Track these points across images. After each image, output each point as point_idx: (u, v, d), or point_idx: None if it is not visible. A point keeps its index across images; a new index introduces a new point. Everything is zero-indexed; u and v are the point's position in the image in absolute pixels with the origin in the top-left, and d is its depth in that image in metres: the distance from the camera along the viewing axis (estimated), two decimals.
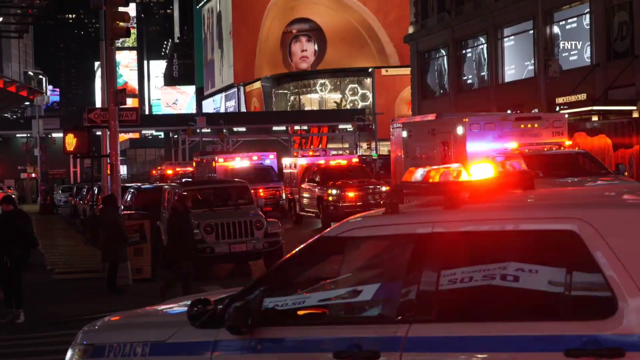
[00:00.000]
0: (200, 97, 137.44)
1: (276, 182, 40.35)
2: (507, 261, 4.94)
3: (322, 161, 38.56)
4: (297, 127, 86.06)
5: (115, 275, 19.41)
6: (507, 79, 50.03)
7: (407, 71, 71.05)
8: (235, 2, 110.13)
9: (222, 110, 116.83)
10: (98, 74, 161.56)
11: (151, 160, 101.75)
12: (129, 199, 28.51)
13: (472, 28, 52.69)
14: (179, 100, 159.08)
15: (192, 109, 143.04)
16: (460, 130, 24.26)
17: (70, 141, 22.41)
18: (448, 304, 5.02)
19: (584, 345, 4.52)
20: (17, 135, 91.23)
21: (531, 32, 46.59)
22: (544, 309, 4.78)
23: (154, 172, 61.96)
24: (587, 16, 42.29)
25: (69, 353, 6.43)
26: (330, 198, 32.93)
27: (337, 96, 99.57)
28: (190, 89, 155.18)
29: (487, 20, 50.41)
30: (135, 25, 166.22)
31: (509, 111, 37.04)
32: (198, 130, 74.86)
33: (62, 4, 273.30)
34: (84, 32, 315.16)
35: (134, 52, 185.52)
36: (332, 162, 38.46)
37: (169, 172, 54.75)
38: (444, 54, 57.16)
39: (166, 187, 25.11)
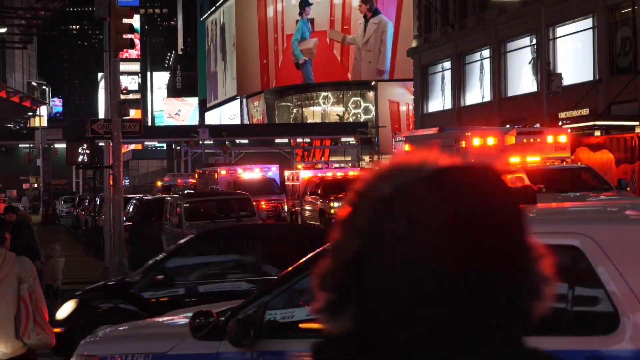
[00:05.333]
0: (203, 108, 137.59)
1: (278, 194, 40.32)
2: None
3: (324, 174, 38.58)
4: (299, 140, 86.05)
5: None
6: (510, 93, 50.07)
7: (410, 85, 71.16)
8: (239, 15, 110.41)
9: (225, 122, 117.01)
10: (101, 84, 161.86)
11: (153, 172, 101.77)
12: (131, 210, 28.55)
13: (476, 42, 52.76)
14: (182, 110, 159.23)
15: (195, 120, 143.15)
16: (462, 144, 24.27)
17: (73, 152, 22.44)
18: None
19: None
20: (20, 145, 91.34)
21: (534, 46, 46.67)
22: (546, 324, 4.78)
23: (158, 183, 62.09)
24: (591, 31, 42.34)
25: None
26: (333, 210, 32.94)
27: (339, 109, 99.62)
28: (194, 100, 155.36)
29: (491, 34, 50.48)
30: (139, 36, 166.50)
31: (508, 126, 37.02)
32: (201, 142, 74.90)
33: (66, 15, 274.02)
34: (87, 43, 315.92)
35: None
36: (333, 175, 38.50)
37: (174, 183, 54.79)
38: (447, 67, 57.23)
39: (168, 198, 25.15)
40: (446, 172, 1.36)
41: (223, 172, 42.97)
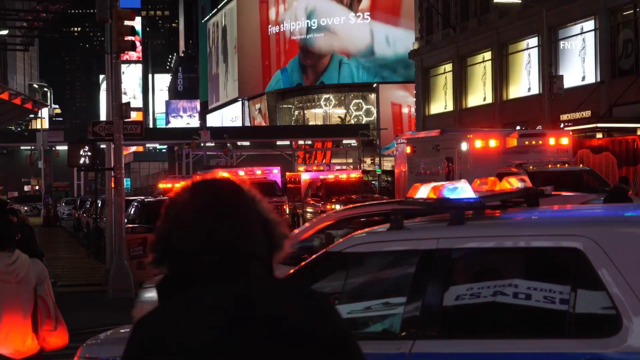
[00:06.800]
0: (204, 110, 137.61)
1: (280, 196, 40.30)
2: (512, 278, 4.93)
3: (325, 176, 38.55)
4: (301, 142, 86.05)
5: None
6: (512, 96, 50.06)
7: (411, 87, 71.17)
8: (240, 17, 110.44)
9: (226, 124, 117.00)
10: (103, 86, 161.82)
11: (155, 174, 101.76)
12: (132, 212, 28.52)
13: (477, 44, 52.76)
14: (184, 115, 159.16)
15: (196, 123, 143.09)
16: (464, 146, 24.28)
17: (75, 154, 22.42)
18: (452, 320, 5.01)
19: None
20: (22, 147, 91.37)
21: (536, 48, 46.65)
22: (548, 326, 4.77)
23: (159, 185, 62.00)
24: (592, 33, 42.33)
25: None
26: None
27: (341, 111, 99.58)
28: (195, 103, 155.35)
29: (492, 36, 50.48)
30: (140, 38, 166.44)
31: (518, 127, 37.03)
32: (202, 144, 74.88)
33: (67, 17, 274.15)
34: (89, 45, 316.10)
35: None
36: (335, 177, 38.47)
37: (174, 185, 54.69)
38: (449, 69, 57.23)
39: None
40: (195, 185, 2.61)
41: (224, 174, 42.97)
